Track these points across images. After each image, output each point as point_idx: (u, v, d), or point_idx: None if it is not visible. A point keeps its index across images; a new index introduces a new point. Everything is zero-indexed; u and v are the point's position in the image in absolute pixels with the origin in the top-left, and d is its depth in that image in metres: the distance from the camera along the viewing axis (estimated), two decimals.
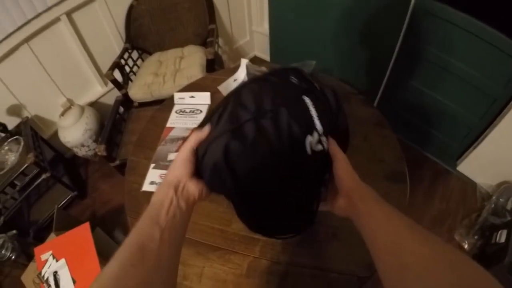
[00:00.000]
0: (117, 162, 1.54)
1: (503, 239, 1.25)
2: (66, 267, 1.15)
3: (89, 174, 1.99)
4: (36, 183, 1.54)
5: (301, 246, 0.65)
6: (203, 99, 1.00)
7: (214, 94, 1.01)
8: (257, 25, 2.37)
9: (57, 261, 1.17)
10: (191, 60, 1.75)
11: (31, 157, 1.44)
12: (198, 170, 0.44)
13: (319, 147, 0.41)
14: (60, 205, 1.73)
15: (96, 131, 1.82)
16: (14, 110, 1.70)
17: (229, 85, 1.02)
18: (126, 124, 1.72)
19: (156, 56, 1.88)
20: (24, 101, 1.72)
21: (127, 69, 1.84)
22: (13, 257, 1.42)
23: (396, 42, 1.47)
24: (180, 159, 0.45)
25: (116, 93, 1.80)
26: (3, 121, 1.61)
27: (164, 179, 0.46)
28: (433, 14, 1.28)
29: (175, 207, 0.41)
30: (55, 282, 1.13)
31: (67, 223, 1.38)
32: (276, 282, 0.61)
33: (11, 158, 1.57)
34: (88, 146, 1.82)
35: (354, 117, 0.87)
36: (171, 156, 0.85)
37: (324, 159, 0.42)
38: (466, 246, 1.40)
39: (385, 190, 0.72)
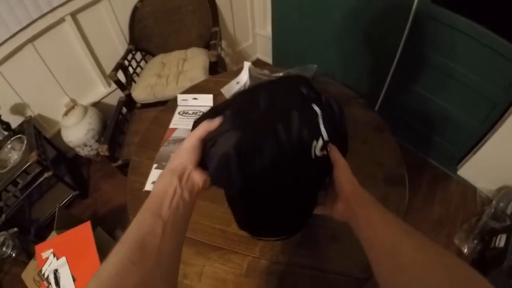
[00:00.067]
0: (119, 162, 1.55)
1: (502, 244, 1.26)
2: (67, 265, 1.16)
3: (91, 173, 2.00)
4: (38, 181, 1.56)
5: (301, 247, 0.65)
6: (205, 101, 1.01)
7: (217, 96, 1.02)
8: (260, 28, 2.38)
9: (57, 259, 1.18)
10: (194, 62, 1.76)
11: (33, 156, 1.45)
12: (202, 160, 0.43)
13: (323, 153, 0.42)
14: (62, 204, 1.74)
15: (99, 131, 1.83)
16: (17, 109, 1.72)
17: (231, 88, 1.03)
18: (128, 125, 1.73)
19: (160, 58, 1.90)
20: (28, 100, 1.74)
21: (131, 70, 1.85)
22: (13, 254, 1.43)
23: (398, 45, 1.48)
24: (187, 146, 0.44)
25: (119, 94, 1.82)
26: (6, 119, 1.63)
27: (167, 165, 0.44)
28: (434, 19, 1.29)
29: (179, 198, 0.39)
30: (55, 280, 1.14)
31: (68, 222, 1.39)
32: (276, 282, 0.61)
33: (14, 156, 1.58)
34: (90, 146, 1.83)
35: (354, 121, 0.88)
36: None
37: (325, 164, 0.43)
38: (465, 250, 1.40)
39: (384, 193, 0.72)
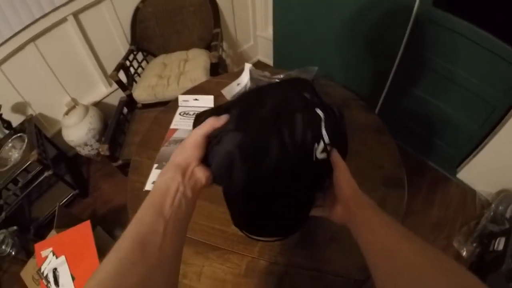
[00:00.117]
0: (120, 162, 1.55)
1: (501, 247, 1.26)
2: (66, 264, 1.16)
3: (91, 173, 2.00)
4: (38, 180, 1.56)
5: (300, 248, 0.66)
6: (206, 102, 1.01)
7: (218, 97, 1.02)
8: (261, 30, 2.39)
9: (57, 258, 1.18)
10: (195, 63, 1.77)
11: (34, 155, 1.46)
12: (205, 157, 0.43)
13: (323, 155, 0.43)
14: (62, 203, 1.75)
15: (100, 131, 1.83)
16: (19, 108, 1.72)
17: (232, 89, 1.03)
18: (129, 125, 1.73)
19: (161, 59, 1.90)
20: (29, 99, 1.75)
21: (132, 70, 1.86)
22: (13, 253, 1.43)
23: (398, 49, 1.48)
24: (191, 142, 0.43)
25: (120, 94, 1.82)
26: (7, 118, 1.63)
27: (171, 160, 0.43)
28: (435, 22, 1.30)
29: (181, 195, 0.38)
30: (54, 278, 1.14)
31: (68, 221, 1.39)
32: (274, 283, 0.62)
33: (15, 155, 1.59)
34: (91, 146, 1.84)
35: (354, 123, 0.89)
36: None
37: (324, 167, 0.44)
38: (464, 253, 1.40)
39: (383, 196, 0.73)
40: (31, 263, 1.32)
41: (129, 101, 1.79)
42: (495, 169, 1.49)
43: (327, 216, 0.48)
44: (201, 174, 0.42)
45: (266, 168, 0.41)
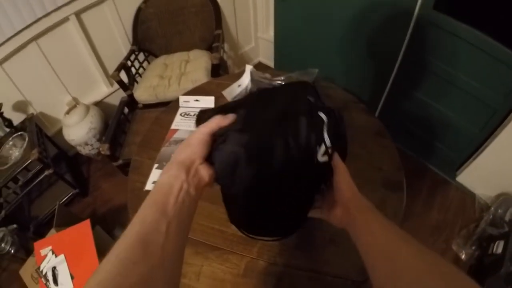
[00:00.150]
0: (120, 161, 1.56)
1: (500, 250, 1.26)
2: (65, 263, 1.16)
3: (91, 172, 2.01)
4: (38, 179, 1.57)
5: (299, 249, 0.66)
6: (207, 103, 1.02)
7: (219, 98, 1.02)
8: (262, 31, 2.40)
9: (56, 256, 1.18)
10: (196, 64, 1.78)
11: (35, 153, 1.46)
12: (209, 155, 0.43)
13: (324, 158, 0.43)
14: (61, 202, 1.75)
15: (100, 130, 1.84)
16: (20, 106, 1.73)
17: (233, 90, 1.03)
18: (130, 125, 1.74)
19: (162, 59, 1.91)
20: (30, 98, 1.75)
21: (133, 70, 1.87)
22: (12, 251, 1.43)
23: (399, 51, 1.49)
24: (196, 139, 0.42)
25: (121, 94, 1.83)
26: (8, 116, 1.64)
27: (174, 156, 0.42)
28: (436, 25, 1.30)
29: (185, 194, 0.37)
30: (53, 277, 1.14)
31: (67, 220, 1.40)
32: (273, 283, 0.62)
33: (15, 153, 1.59)
34: (91, 145, 1.84)
35: (354, 126, 0.89)
36: None
37: (324, 169, 0.44)
38: (463, 257, 1.40)
39: (383, 198, 0.73)
40: (30, 261, 1.32)
41: (130, 101, 1.79)
42: (494, 172, 1.49)
43: (325, 218, 0.48)
44: (205, 173, 0.41)
45: (270, 169, 0.41)
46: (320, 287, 0.61)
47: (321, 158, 0.43)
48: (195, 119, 0.53)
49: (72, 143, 1.82)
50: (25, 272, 1.31)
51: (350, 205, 0.43)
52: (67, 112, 1.78)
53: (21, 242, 1.48)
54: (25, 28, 1.54)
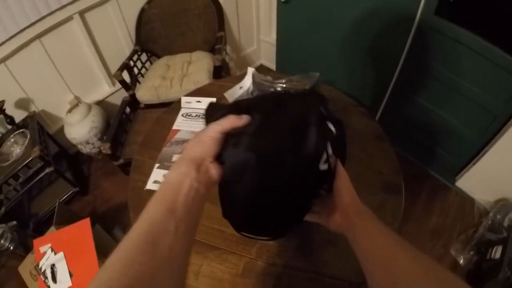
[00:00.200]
0: (121, 161, 1.57)
1: (498, 255, 1.26)
2: (64, 260, 1.17)
3: (92, 171, 2.01)
4: (39, 176, 1.57)
5: (297, 250, 0.67)
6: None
7: (220, 100, 1.03)
8: (265, 34, 2.41)
9: (55, 254, 1.18)
10: (198, 65, 1.78)
11: (36, 151, 1.47)
12: (219, 154, 0.42)
13: (325, 166, 0.45)
14: (62, 200, 1.75)
15: (102, 130, 1.85)
16: (22, 104, 1.74)
17: (235, 92, 1.04)
18: (131, 124, 1.75)
19: (165, 60, 1.92)
20: (33, 96, 1.76)
21: (136, 70, 1.87)
22: (11, 247, 1.43)
23: (400, 56, 1.50)
24: (209, 137, 0.41)
25: (123, 94, 1.84)
26: (10, 113, 1.64)
27: (185, 152, 0.41)
28: (437, 31, 1.31)
29: (195, 192, 0.36)
30: (52, 274, 1.15)
31: (67, 218, 1.40)
32: (271, 283, 0.62)
33: (16, 150, 1.60)
34: (92, 144, 1.85)
35: (354, 129, 0.90)
36: (176, 158, 0.87)
37: (325, 175, 0.46)
38: (461, 261, 1.41)
39: (382, 201, 0.74)
40: (29, 258, 1.32)
41: (132, 101, 1.80)
42: (494, 177, 1.49)
43: (323, 223, 0.49)
44: (215, 171, 0.40)
45: (277, 176, 0.42)
46: None
47: (322, 166, 0.45)
48: (207, 107, 0.54)
49: (74, 141, 1.83)
50: (24, 269, 1.31)
51: (350, 211, 0.44)
52: (69, 111, 1.79)
53: (21, 239, 1.48)
54: (29, 26, 1.55)
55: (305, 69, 1.00)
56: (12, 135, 1.64)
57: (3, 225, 1.46)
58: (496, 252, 1.28)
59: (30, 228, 1.62)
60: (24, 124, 1.68)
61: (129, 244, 0.32)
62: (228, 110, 0.46)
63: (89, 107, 1.84)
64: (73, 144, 1.89)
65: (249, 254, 0.67)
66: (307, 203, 0.47)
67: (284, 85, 0.92)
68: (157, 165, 0.86)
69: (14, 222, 1.50)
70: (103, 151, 1.50)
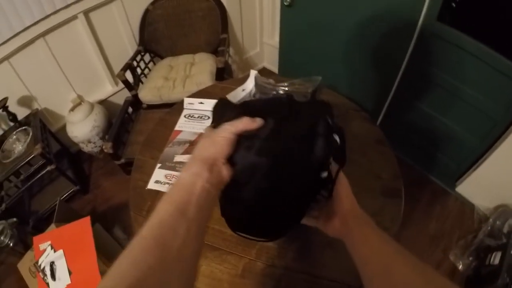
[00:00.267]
0: (122, 160, 1.57)
1: (497, 261, 1.26)
2: (64, 258, 1.17)
3: (93, 170, 2.02)
4: (40, 174, 1.58)
5: (297, 252, 0.67)
6: (211, 106, 1.03)
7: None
8: (268, 37, 2.42)
9: (55, 251, 1.19)
10: (201, 67, 1.79)
11: (38, 148, 1.48)
12: (230, 156, 0.42)
13: (325, 174, 0.46)
14: (62, 198, 1.76)
15: (104, 129, 1.85)
16: (25, 101, 1.75)
17: (237, 94, 1.05)
18: (133, 124, 1.75)
19: (168, 61, 1.93)
20: (36, 93, 1.77)
21: (139, 71, 1.89)
22: (11, 244, 1.44)
23: (402, 62, 1.50)
24: (223, 138, 0.40)
25: (126, 94, 1.84)
26: (13, 111, 1.66)
27: (197, 152, 0.41)
28: (439, 37, 1.32)
29: (207, 194, 0.36)
30: (51, 272, 1.15)
31: (68, 216, 1.40)
32: (271, 285, 0.63)
33: (18, 147, 1.61)
34: (94, 143, 1.86)
35: (355, 134, 0.90)
36: (178, 158, 0.87)
37: (324, 181, 0.46)
38: (460, 267, 1.41)
39: (381, 205, 0.74)
40: (28, 255, 1.33)
41: (135, 101, 1.81)
42: (494, 183, 1.50)
43: (321, 228, 0.49)
44: (226, 173, 0.39)
45: (285, 181, 0.43)
46: None
47: (323, 173, 0.45)
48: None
49: (75, 140, 1.83)
50: (23, 265, 1.32)
51: (349, 217, 0.44)
52: (72, 109, 1.80)
53: (20, 236, 1.49)
54: (33, 24, 1.56)
55: (307, 73, 1.00)
56: (14, 132, 1.65)
57: (3, 221, 1.46)
58: (495, 258, 1.28)
59: (30, 225, 1.63)
60: (26, 121, 1.69)
61: (140, 246, 0.31)
62: (239, 110, 0.47)
63: (92, 106, 1.84)
64: (74, 143, 1.90)
65: (249, 255, 0.67)
66: (306, 206, 0.47)
67: (286, 88, 0.92)
68: (158, 165, 0.86)
69: (14, 219, 1.51)
70: (105, 150, 1.51)
